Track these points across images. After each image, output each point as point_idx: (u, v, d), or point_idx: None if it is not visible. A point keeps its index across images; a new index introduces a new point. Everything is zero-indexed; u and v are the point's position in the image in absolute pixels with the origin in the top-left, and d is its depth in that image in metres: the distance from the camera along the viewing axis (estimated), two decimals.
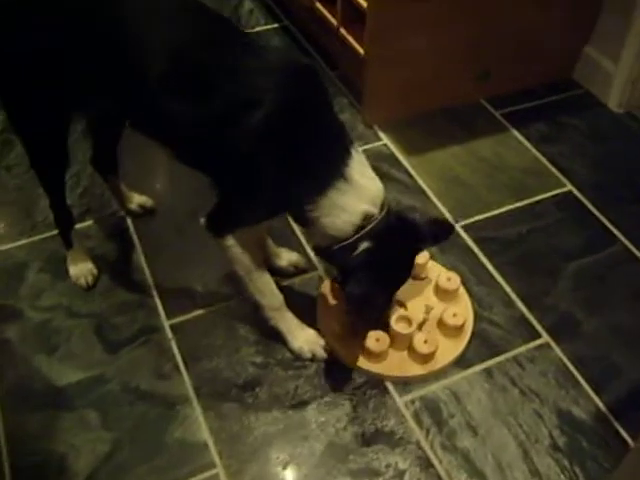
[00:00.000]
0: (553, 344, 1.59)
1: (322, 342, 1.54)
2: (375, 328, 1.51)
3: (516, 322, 1.63)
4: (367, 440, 1.42)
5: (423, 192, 1.91)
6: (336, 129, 1.34)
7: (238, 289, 1.59)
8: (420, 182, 1.93)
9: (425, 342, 1.50)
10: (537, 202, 1.90)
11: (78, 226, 1.74)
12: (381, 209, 1.34)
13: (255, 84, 1.25)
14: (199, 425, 1.43)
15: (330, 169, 1.29)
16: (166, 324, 1.60)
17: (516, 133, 2.09)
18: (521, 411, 1.48)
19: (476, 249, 1.78)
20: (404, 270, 1.43)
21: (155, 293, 1.65)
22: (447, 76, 2.09)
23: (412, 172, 1.96)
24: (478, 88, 2.17)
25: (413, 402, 1.48)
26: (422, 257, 1.64)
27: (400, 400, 1.48)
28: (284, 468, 1.37)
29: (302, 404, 1.47)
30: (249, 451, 1.39)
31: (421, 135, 2.07)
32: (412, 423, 1.45)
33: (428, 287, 1.65)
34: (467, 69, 2.12)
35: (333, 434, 1.43)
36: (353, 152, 1.31)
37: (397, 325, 1.52)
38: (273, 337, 1.56)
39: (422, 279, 1.65)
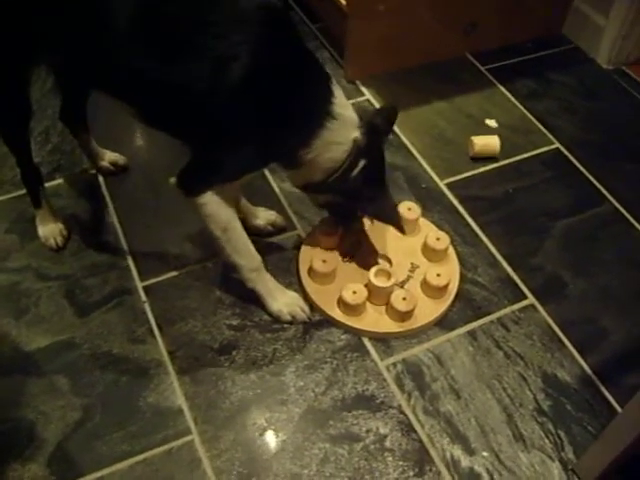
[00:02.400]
0: (539, 306, 1.55)
1: (302, 304, 1.49)
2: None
3: (501, 283, 1.58)
4: (347, 405, 1.38)
5: (406, 149, 1.84)
6: (315, 69, 1.31)
7: (214, 250, 1.53)
8: (403, 138, 1.86)
9: (404, 299, 1.46)
10: (524, 160, 1.85)
11: (48, 184, 1.67)
12: (361, 128, 1.36)
13: (228, 36, 1.17)
14: (174, 390, 1.38)
15: (318, 111, 1.28)
16: (139, 286, 1.53)
17: (503, 89, 2.03)
18: (505, 374, 1.44)
19: (461, 208, 1.72)
20: (384, 163, 1.46)
21: (128, 254, 1.59)
22: (432, 29, 2.01)
23: (395, 128, 1.89)
24: (464, 42, 2.09)
25: (395, 365, 1.44)
26: (413, 212, 1.61)
27: (382, 363, 1.44)
28: (261, 434, 1.33)
29: (280, 368, 1.42)
30: (225, 417, 1.35)
31: (405, 90, 2.00)
32: (394, 387, 1.41)
33: (416, 244, 1.60)
34: (453, 22, 2.03)
35: (312, 399, 1.39)
36: (333, 88, 1.30)
37: (375, 278, 1.48)
38: (250, 299, 1.50)
39: (411, 234, 1.61)
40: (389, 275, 1.49)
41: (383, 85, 2.01)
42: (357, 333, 1.48)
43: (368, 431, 1.35)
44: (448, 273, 1.52)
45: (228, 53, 1.17)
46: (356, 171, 1.35)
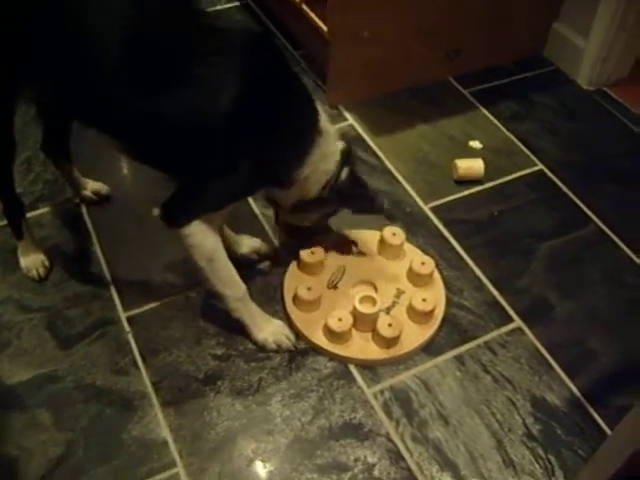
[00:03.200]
0: (526, 328, 1.54)
1: (288, 332, 1.47)
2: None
3: (487, 306, 1.58)
4: (335, 434, 1.36)
5: (390, 173, 1.84)
6: (300, 91, 1.32)
7: (198, 279, 1.52)
8: (387, 163, 1.87)
9: (390, 325, 1.45)
10: (508, 182, 1.85)
11: (30, 214, 1.65)
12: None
13: (214, 66, 1.18)
14: (158, 422, 1.36)
15: (307, 130, 1.30)
16: (123, 316, 1.51)
17: (485, 111, 2.04)
18: (494, 399, 1.43)
19: (446, 232, 1.72)
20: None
21: (111, 284, 1.57)
22: (414, 54, 2.02)
23: (379, 153, 1.89)
24: (446, 66, 2.10)
25: (382, 392, 1.43)
26: (398, 238, 1.61)
27: (368, 391, 1.43)
28: (248, 465, 1.31)
29: (266, 397, 1.40)
30: (211, 448, 1.33)
31: (388, 115, 2.01)
32: (381, 414, 1.39)
33: (401, 270, 1.60)
34: (435, 46, 2.05)
35: (299, 428, 1.37)
36: (318, 107, 1.34)
37: (361, 305, 1.46)
38: (235, 328, 1.48)
39: (396, 259, 1.61)
40: (374, 301, 1.48)
41: (366, 110, 2.01)
42: (343, 361, 1.46)
43: (356, 460, 1.32)
44: (434, 298, 1.52)
45: (215, 82, 1.18)
46: (343, 177, 1.40)
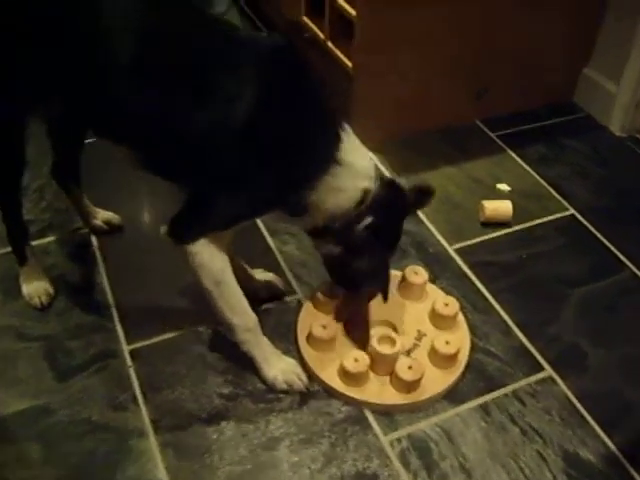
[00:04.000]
0: (557, 378, 1.42)
1: (300, 371, 1.37)
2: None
3: (515, 353, 1.47)
4: None
5: (415, 214, 1.77)
6: (322, 112, 1.24)
7: (207, 314, 1.44)
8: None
9: (410, 368, 1.34)
10: (537, 226, 1.77)
11: (37, 242, 1.61)
12: (375, 181, 1.29)
13: (231, 76, 1.13)
14: (155, 463, 1.25)
15: (322, 156, 1.21)
16: (126, 349, 1.43)
17: (513, 154, 1.97)
18: (522, 453, 1.30)
19: (471, 274, 1.63)
20: (398, 237, 1.39)
21: (116, 316, 1.49)
22: (441, 94, 1.98)
23: None
24: (474, 108, 2.06)
25: (399, 441, 1.31)
26: (420, 277, 1.52)
27: (385, 439, 1.31)
28: None
29: (273, 442, 1.30)
30: None
31: (413, 155, 1.95)
32: (398, 465, 1.28)
33: (423, 311, 1.50)
34: (462, 87, 2.01)
35: (308, 476, 1.25)
36: (342, 134, 1.23)
37: (379, 345, 1.36)
38: (244, 366, 1.39)
39: (418, 300, 1.52)
40: (394, 342, 1.38)
41: (390, 149, 1.95)
42: (358, 405, 1.35)
43: None
44: (458, 341, 1.41)
45: (231, 93, 1.13)
46: (361, 226, 1.27)
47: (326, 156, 1.21)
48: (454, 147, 1.98)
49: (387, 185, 1.31)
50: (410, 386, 1.34)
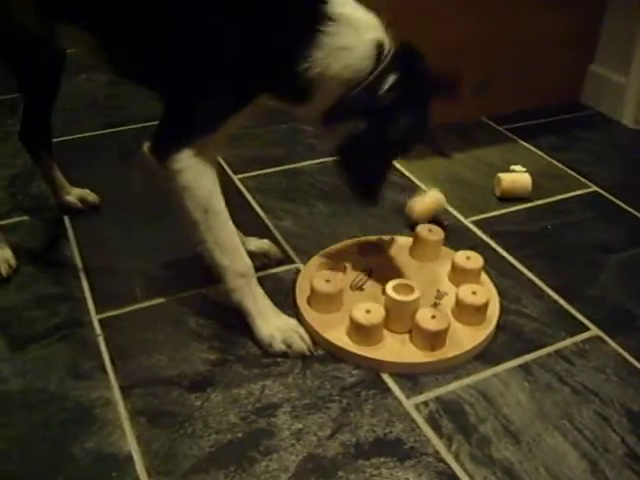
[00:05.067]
0: (606, 338, 1.20)
1: (302, 331, 1.15)
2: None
3: (554, 315, 1.25)
4: (364, 451, 0.99)
5: (424, 192, 1.60)
6: None
7: (189, 279, 1.26)
8: (420, 183, 1.63)
9: (433, 318, 1.13)
10: (559, 201, 1.59)
11: (4, 222, 1.42)
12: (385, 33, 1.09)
13: None
14: (122, 433, 1.00)
15: (309, 15, 1.02)
16: (95, 318, 1.20)
17: (525, 144, 1.83)
18: (578, 413, 1.06)
19: (492, 243, 1.44)
20: (426, 118, 1.16)
21: (85, 286, 1.27)
22: None
23: (410, 176, 1.66)
24: (478, 105, 1.93)
25: (426, 404, 1.07)
26: (436, 234, 1.34)
27: (408, 402, 1.07)
28: None
29: (270, 408, 1.05)
30: (191, 465, 0.95)
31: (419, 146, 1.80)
32: (427, 429, 1.03)
33: (442, 271, 1.30)
34: (465, 82, 1.91)
35: (314, 444, 1.00)
36: None
37: (395, 293, 1.15)
38: (235, 332, 1.17)
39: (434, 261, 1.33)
40: (412, 289, 1.17)
41: None
42: (374, 366, 1.12)
43: None
44: (485, 292, 1.20)
45: None
46: (385, 87, 1.07)
47: (313, 13, 1.03)
48: (462, 138, 1.83)
49: (404, 45, 1.11)
50: (434, 341, 1.12)
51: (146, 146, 1.07)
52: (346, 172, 1.18)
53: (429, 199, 1.48)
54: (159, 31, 1.01)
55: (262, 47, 1.00)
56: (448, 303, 1.22)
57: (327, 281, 1.20)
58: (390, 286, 1.16)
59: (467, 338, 1.15)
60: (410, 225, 1.46)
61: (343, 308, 1.20)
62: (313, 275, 1.23)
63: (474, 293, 1.18)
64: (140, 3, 1.00)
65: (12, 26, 1.20)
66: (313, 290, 1.19)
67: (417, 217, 1.46)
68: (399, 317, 1.14)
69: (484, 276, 1.29)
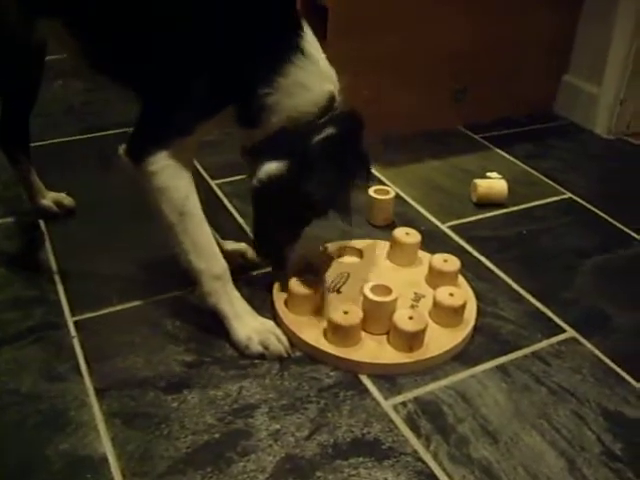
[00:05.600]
0: (582, 339, 1.21)
1: (279, 332, 1.14)
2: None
3: (530, 317, 1.26)
4: (342, 451, 0.98)
5: (401, 197, 1.60)
6: None
7: (167, 282, 1.25)
8: (398, 190, 1.63)
9: (410, 319, 1.13)
10: (535, 207, 1.61)
11: None
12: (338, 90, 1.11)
13: None
14: (97, 435, 0.98)
15: (285, 41, 1.04)
16: (70, 321, 1.18)
17: (500, 152, 1.85)
18: (554, 413, 1.06)
19: (469, 247, 1.45)
20: (346, 186, 1.11)
21: (61, 289, 1.26)
22: (420, 93, 1.89)
23: (386, 180, 1.66)
24: (453, 113, 1.96)
25: (404, 405, 1.06)
26: (412, 237, 1.34)
27: (386, 403, 1.06)
28: None
29: (248, 409, 1.04)
30: (167, 467, 0.94)
31: (396, 153, 1.80)
32: (405, 429, 1.02)
33: (419, 274, 1.30)
34: (441, 91, 1.93)
35: (292, 444, 0.99)
36: (304, 24, 1.07)
37: (373, 294, 1.15)
38: (212, 334, 1.16)
39: (411, 266, 1.33)
40: (390, 291, 1.17)
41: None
42: (352, 368, 1.11)
43: None
44: (462, 294, 1.21)
45: None
46: (320, 137, 1.06)
47: (289, 42, 1.04)
48: (438, 145, 1.85)
49: (352, 110, 1.11)
50: (412, 341, 1.12)
51: (122, 148, 1.06)
52: (254, 221, 1.18)
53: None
54: (137, 29, 1.01)
55: (238, 57, 1.01)
56: (426, 305, 1.22)
57: (303, 282, 1.20)
58: (368, 287, 1.16)
59: (445, 339, 1.16)
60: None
61: (321, 311, 1.20)
62: (290, 277, 1.23)
63: (451, 295, 1.19)
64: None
65: None
66: (290, 292, 1.19)
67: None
68: (377, 318, 1.14)
69: (461, 279, 1.30)
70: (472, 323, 1.20)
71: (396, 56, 1.82)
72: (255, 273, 1.33)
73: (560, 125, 2.04)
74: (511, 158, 1.82)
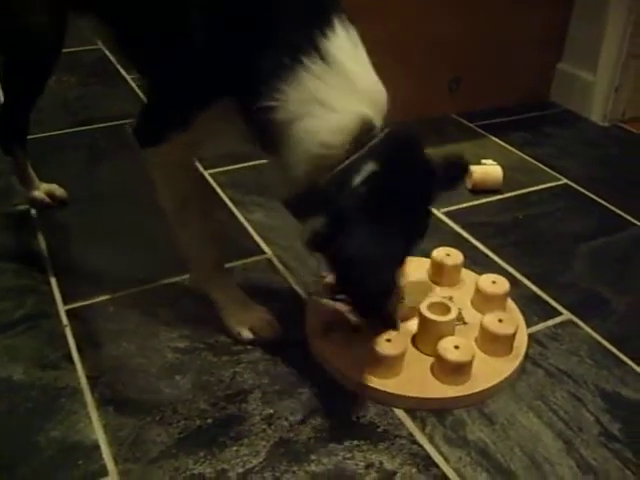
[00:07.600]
0: (579, 322, 1.20)
1: (270, 318, 1.13)
2: (384, 324, 1.03)
3: (527, 301, 1.24)
4: (336, 435, 0.97)
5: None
6: None
7: (161, 271, 1.24)
8: None
9: (456, 348, 1.04)
10: (530, 193, 1.60)
11: None
12: (381, 114, 0.89)
13: None
14: (89, 422, 0.97)
15: (297, 37, 0.83)
16: (62, 310, 1.17)
17: (496, 139, 1.84)
18: (552, 395, 1.05)
19: (464, 233, 1.44)
20: (420, 219, 0.94)
21: (53, 280, 1.24)
22: (415, 82, 1.88)
23: None
24: (447, 101, 1.95)
25: None
26: (454, 259, 1.25)
27: None
28: (210, 475, 0.91)
29: (241, 394, 1.03)
30: (159, 452, 0.93)
31: None
32: (400, 413, 1.01)
33: (461, 294, 1.21)
34: (435, 78, 1.92)
35: (286, 428, 0.98)
36: (337, 21, 0.85)
37: (428, 312, 1.07)
38: (205, 321, 1.15)
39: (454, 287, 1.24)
40: (447, 308, 1.09)
41: None
42: (393, 404, 1.01)
43: (368, 466, 0.93)
44: (513, 321, 1.12)
45: None
46: (359, 178, 0.84)
47: (304, 38, 0.83)
48: (434, 132, 1.83)
49: (402, 135, 0.89)
50: (459, 371, 1.03)
51: (130, 128, 1.05)
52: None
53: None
54: (147, 20, 0.99)
55: (230, 44, 0.90)
56: (470, 329, 1.13)
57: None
58: (425, 305, 1.09)
59: (493, 369, 1.06)
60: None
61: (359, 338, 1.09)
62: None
63: (501, 321, 1.10)
64: None
65: (19, 22, 1.17)
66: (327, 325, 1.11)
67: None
68: (430, 337, 1.07)
69: (511, 303, 1.20)
70: (523, 353, 1.11)
71: (392, 43, 1.82)
72: (248, 260, 1.32)
73: (555, 113, 2.03)
74: (507, 146, 1.81)
